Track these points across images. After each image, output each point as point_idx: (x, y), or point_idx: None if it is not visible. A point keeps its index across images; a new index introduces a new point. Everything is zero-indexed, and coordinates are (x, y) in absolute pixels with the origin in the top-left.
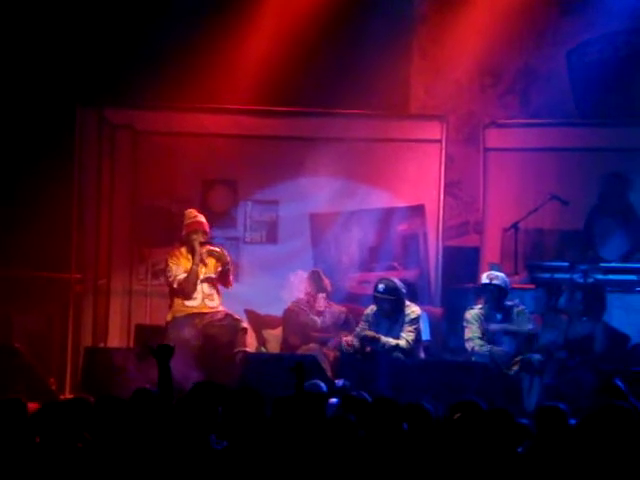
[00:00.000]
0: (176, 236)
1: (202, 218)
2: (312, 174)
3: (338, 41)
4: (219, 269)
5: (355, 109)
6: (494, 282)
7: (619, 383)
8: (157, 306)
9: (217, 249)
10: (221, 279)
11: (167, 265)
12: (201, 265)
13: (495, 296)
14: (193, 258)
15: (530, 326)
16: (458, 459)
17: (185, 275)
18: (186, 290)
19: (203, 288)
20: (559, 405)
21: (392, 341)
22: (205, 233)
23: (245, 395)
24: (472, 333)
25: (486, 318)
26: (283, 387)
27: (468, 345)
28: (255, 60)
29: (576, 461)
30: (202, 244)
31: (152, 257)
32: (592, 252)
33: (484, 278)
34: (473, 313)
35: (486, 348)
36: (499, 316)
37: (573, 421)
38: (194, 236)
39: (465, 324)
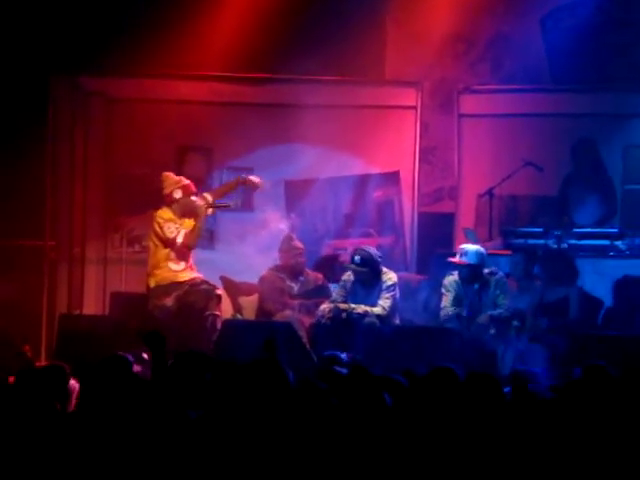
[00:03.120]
0: (151, 203)
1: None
2: (287, 141)
3: (313, 7)
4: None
5: (330, 76)
6: (463, 260)
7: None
8: (132, 274)
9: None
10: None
11: (161, 226)
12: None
13: (466, 274)
14: (197, 217)
15: (506, 302)
16: (434, 427)
17: (189, 230)
18: (191, 243)
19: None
20: (532, 369)
21: (367, 308)
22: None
23: (220, 365)
24: (447, 301)
25: (464, 287)
26: (258, 354)
27: (442, 313)
28: (230, 27)
29: (551, 425)
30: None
31: (127, 225)
32: (566, 218)
33: (456, 255)
34: (451, 279)
35: (451, 311)
36: (476, 285)
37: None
38: (192, 197)
39: (443, 290)
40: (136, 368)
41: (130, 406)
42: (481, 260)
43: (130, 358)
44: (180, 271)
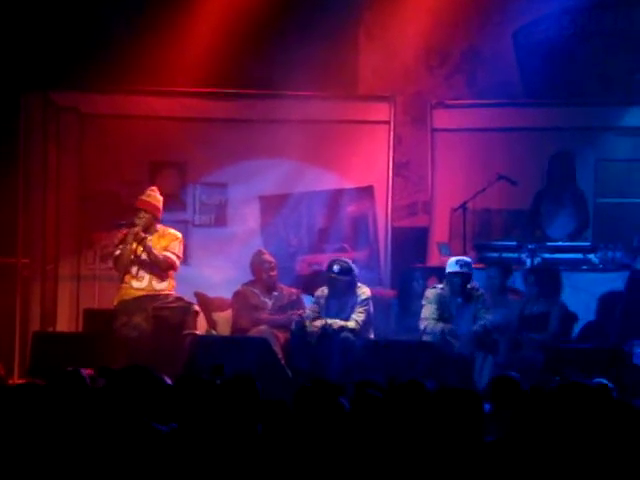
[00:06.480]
0: (125, 219)
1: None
2: (260, 156)
3: (286, 23)
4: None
5: (303, 91)
6: (464, 270)
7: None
8: (105, 290)
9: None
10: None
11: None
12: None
13: (463, 283)
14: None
15: (487, 316)
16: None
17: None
18: (117, 267)
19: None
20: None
21: (340, 322)
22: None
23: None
24: (429, 313)
25: (447, 300)
26: (232, 370)
27: (422, 324)
28: (203, 42)
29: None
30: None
31: (100, 241)
32: (539, 231)
33: (453, 265)
34: (435, 292)
35: (439, 327)
36: (460, 299)
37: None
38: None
39: (424, 302)
40: (100, 382)
41: (88, 420)
42: (472, 271)
43: (84, 373)
44: (143, 288)
